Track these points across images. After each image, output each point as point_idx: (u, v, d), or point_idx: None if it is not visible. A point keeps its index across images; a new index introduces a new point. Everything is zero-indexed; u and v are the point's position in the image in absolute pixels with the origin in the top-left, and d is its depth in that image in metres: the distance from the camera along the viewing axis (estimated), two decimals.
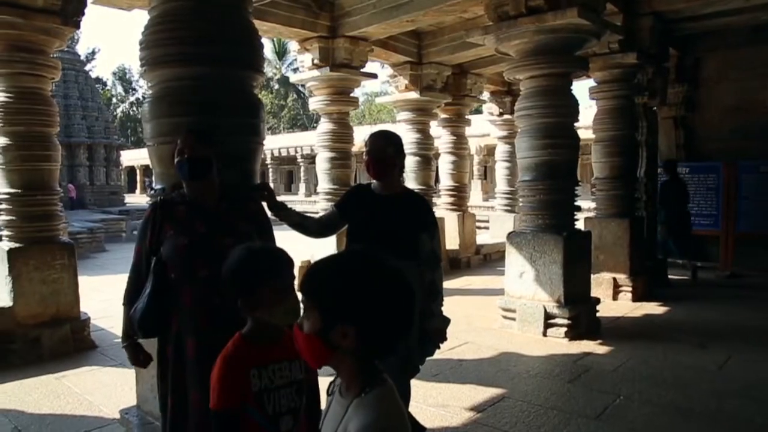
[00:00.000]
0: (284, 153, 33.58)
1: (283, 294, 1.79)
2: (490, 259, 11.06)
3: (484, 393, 4.29)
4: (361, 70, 7.74)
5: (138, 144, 52.54)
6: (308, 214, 3.32)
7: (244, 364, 1.76)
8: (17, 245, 5.28)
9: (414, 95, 8.94)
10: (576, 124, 5.90)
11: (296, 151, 32.88)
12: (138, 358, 2.45)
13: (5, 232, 5.43)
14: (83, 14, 5.50)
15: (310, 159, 32.02)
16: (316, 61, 7.47)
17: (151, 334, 2.37)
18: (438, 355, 3.17)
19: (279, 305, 1.78)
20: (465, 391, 4.32)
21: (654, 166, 8.40)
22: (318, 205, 8.07)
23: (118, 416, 3.90)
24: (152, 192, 2.99)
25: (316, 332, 1.25)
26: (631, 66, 7.18)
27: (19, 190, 5.35)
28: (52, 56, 5.59)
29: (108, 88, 57.44)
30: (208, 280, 2.28)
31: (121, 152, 32.63)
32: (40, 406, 4.27)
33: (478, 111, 16.21)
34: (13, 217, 5.36)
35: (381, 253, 1.32)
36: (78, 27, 5.45)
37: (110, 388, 4.59)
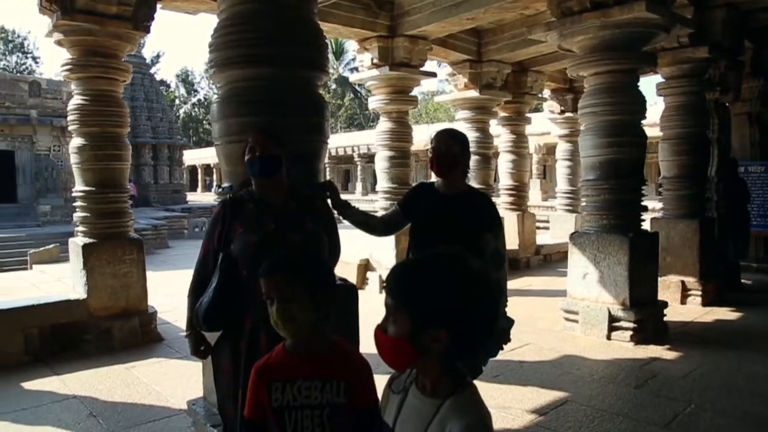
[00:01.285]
0: (341, 152, 33.88)
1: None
2: (550, 260, 10.86)
3: (546, 396, 4.21)
4: (420, 69, 7.73)
5: (199, 144, 54.10)
6: (371, 213, 3.33)
7: (268, 376, 1.67)
8: (91, 240, 5.55)
9: (473, 93, 8.86)
10: (642, 122, 5.72)
11: (353, 150, 33.11)
12: (199, 349, 2.51)
13: (80, 228, 5.70)
14: (153, 19, 5.71)
15: (367, 158, 32.21)
16: (375, 61, 7.50)
17: (214, 328, 2.43)
18: (499, 356, 3.13)
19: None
20: (526, 393, 4.25)
21: (727, 164, 8.02)
22: (377, 204, 8.10)
23: (184, 407, 4.02)
24: (220, 190, 3.06)
25: (405, 336, 1.23)
26: (702, 60, 6.90)
27: (93, 188, 5.61)
28: (124, 60, 5.83)
29: (171, 90, 59.27)
30: None
31: (184, 152, 33.60)
32: (112, 394, 4.45)
33: (537, 109, 15.96)
34: (88, 214, 5.63)
35: (465, 254, 1.30)
36: (148, 31, 5.66)
37: (176, 379, 4.74)
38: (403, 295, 1.24)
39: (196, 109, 61.40)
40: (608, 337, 5.47)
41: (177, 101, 58.97)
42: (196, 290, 2.45)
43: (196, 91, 62.51)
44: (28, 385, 4.68)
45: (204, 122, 60.50)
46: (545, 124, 14.65)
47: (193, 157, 43.44)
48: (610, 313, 5.48)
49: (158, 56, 55.53)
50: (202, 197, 39.65)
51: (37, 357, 5.29)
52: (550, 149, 23.15)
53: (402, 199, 3.27)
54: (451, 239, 2.76)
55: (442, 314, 1.20)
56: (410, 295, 1.23)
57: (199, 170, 46.02)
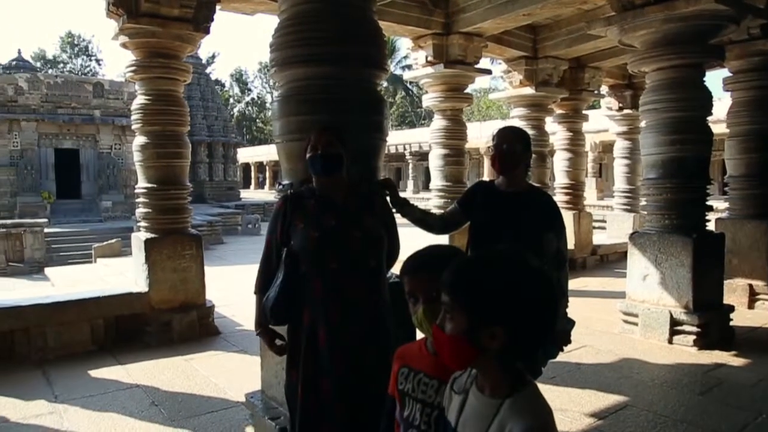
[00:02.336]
0: (392, 150, 33.97)
1: None
2: (607, 261, 10.60)
3: (605, 399, 4.11)
4: (475, 66, 7.66)
5: (252, 142, 55.16)
6: (429, 211, 3.32)
7: (401, 360, 1.71)
8: (153, 236, 5.73)
9: (529, 91, 8.73)
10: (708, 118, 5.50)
11: (404, 149, 33.16)
12: (274, 344, 2.53)
13: (142, 224, 5.90)
14: (212, 20, 5.84)
15: (419, 156, 32.21)
16: (429, 58, 7.47)
17: (281, 322, 2.47)
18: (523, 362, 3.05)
19: None
20: (584, 396, 4.16)
21: None
22: (430, 203, 8.08)
23: (241, 399, 4.11)
24: (280, 187, 3.10)
25: (463, 333, 1.23)
26: None
27: (155, 185, 5.80)
28: (184, 61, 5.99)
29: (226, 89, 60.62)
30: (338, 272, 2.34)
31: (237, 150, 34.31)
32: (172, 384, 4.58)
33: (593, 106, 15.56)
34: (150, 210, 5.82)
35: (524, 252, 1.29)
36: (208, 32, 5.79)
37: (233, 372, 4.84)
38: (460, 292, 1.24)
39: (250, 108, 62.65)
40: (669, 341, 5.30)
41: (231, 100, 60.25)
42: (262, 285, 2.50)
43: (249, 90, 63.83)
44: (95, 372, 4.87)
45: (257, 121, 61.67)
46: (602, 121, 14.31)
47: (247, 155, 44.35)
48: (671, 316, 5.30)
49: (213, 57, 56.88)
50: (255, 194, 40.47)
51: (102, 346, 5.51)
52: (606, 147, 22.62)
53: (461, 197, 3.24)
54: (511, 238, 2.74)
55: (499, 311, 1.19)
56: (467, 291, 1.22)
57: (252, 168, 46.98)
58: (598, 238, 11.26)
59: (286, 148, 3.02)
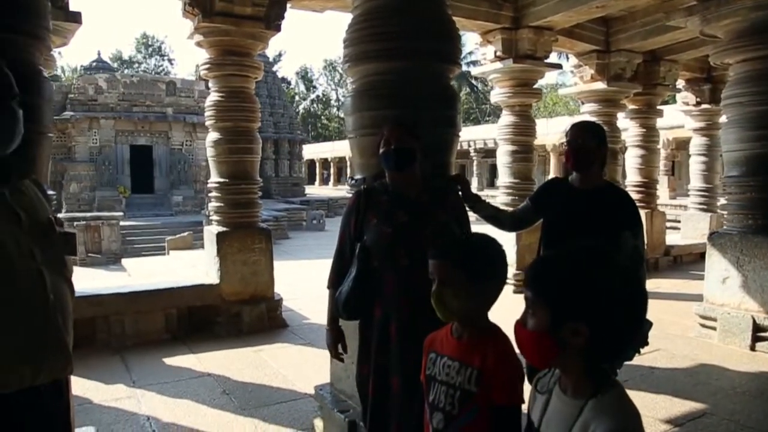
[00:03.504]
0: (457, 147, 33.69)
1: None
2: (680, 262, 10.18)
3: (680, 406, 3.94)
4: (545, 60, 7.49)
5: (317, 139, 55.95)
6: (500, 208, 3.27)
7: (429, 345, 1.79)
8: (224, 229, 5.89)
9: (600, 86, 8.46)
10: None
11: (469, 145, 32.84)
12: (336, 346, 2.56)
13: (214, 217, 6.07)
14: (283, 18, 5.95)
15: (483, 153, 31.85)
16: (498, 53, 7.36)
17: (353, 317, 2.48)
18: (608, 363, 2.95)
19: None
20: (659, 402, 4.01)
21: None
22: (497, 200, 7.96)
23: (309, 391, 4.17)
24: (353, 182, 3.12)
25: (545, 329, 1.20)
26: None
27: (227, 180, 5.95)
28: (255, 58, 6.12)
29: (291, 86, 61.70)
30: (410, 268, 2.33)
31: (303, 146, 34.87)
32: (242, 374, 4.70)
33: (666, 101, 14.96)
34: (221, 204, 5.98)
35: (609, 248, 1.25)
36: (279, 30, 5.90)
37: (301, 364, 4.92)
38: (542, 287, 1.23)
39: (315, 105, 63.58)
40: (752, 348, 5.03)
41: (296, 98, 61.29)
42: (335, 280, 2.51)
43: (314, 87, 64.78)
44: (169, 360, 5.05)
45: (322, 118, 62.51)
46: (676, 116, 13.74)
47: (312, 151, 45.01)
48: (754, 321, 5.03)
49: (280, 55, 58.01)
50: (320, 190, 41.04)
51: (175, 336, 5.71)
52: (680, 144, 21.74)
53: (533, 194, 3.18)
54: (586, 236, 2.65)
55: (581, 306, 1.17)
56: (549, 286, 1.22)
57: (317, 164, 47.65)
58: (672, 238, 10.83)
59: (359, 143, 3.03)
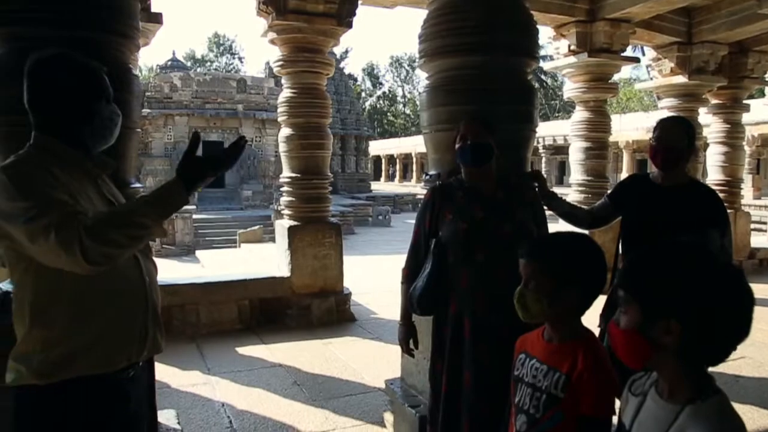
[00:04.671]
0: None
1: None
2: (766, 265, 9.65)
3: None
4: (621, 54, 7.23)
5: (383, 135, 56.26)
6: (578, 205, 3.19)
7: (521, 345, 1.74)
8: (296, 223, 6.01)
9: (681, 79, 8.08)
10: None
11: (538, 142, 32.27)
12: (408, 341, 2.56)
13: (286, 211, 6.21)
14: (354, 15, 6.00)
15: (552, 150, 31.21)
16: (572, 47, 7.16)
17: (427, 312, 2.48)
18: (711, 367, 2.82)
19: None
20: (744, 412, 3.78)
21: None
22: (569, 198, 7.74)
23: (378, 385, 4.21)
24: (427, 177, 3.11)
25: (636, 327, 1.17)
26: None
27: (298, 175, 6.07)
28: (326, 55, 6.20)
29: (358, 83, 62.21)
30: (486, 264, 2.31)
31: (369, 142, 35.12)
32: (312, 366, 4.78)
33: (752, 96, 14.20)
34: (293, 199, 6.11)
35: (706, 246, 1.20)
36: (350, 27, 5.95)
37: (369, 358, 4.96)
38: (632, 284, 1.20)
39: (381, 102, 63.93)
40: None
41: (363, 94, 61.76)
42: (409, 275, 2.51)
43: (380, 84, 65.16)
44: (241, 350, 5.20)
45: (388, 114, 62.77)
46: (762, 112, 13.02)
47: (378, 147, 45.29)
48: None
49: (346, 52, 58.59)
50: (385, 186, 41.28)
51: (247, 326, 5.87)
52: (766, 141, 20.60)
53: (612, 191, 3.08)
54: (669, 234, 2.56)
55: (673, 303, 1.12)
56: (640, 283, 1.18)
57: (383, 160, 47.92)
58: (757, 240, 10.28)
59: (434, 138, 3.02)
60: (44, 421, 1.54)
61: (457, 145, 2.43)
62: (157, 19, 5.16)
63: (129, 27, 2.44)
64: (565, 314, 1.59)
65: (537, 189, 2.77)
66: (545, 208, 2.76)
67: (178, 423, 3.07)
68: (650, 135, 2.85)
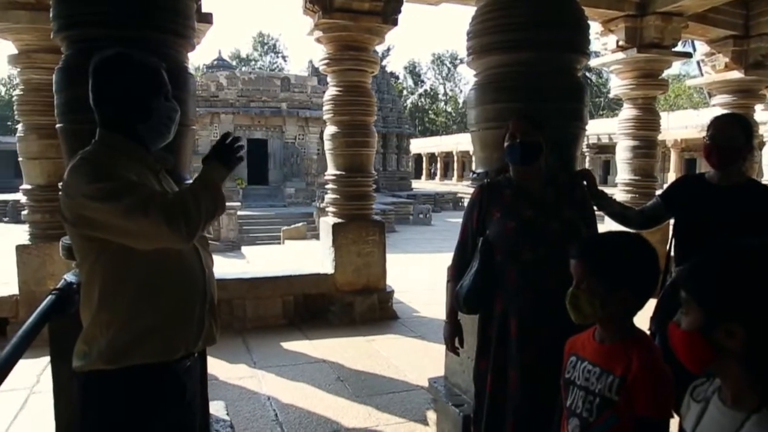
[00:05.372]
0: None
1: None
2: None
3: None
4: (672, 49, 7.03)
5: (424, 133, 56.15)
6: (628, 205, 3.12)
7: (571, 347, 1.71)
8: (340, 221, 6.07)
9: (736, 75, 7.78)
10: None
11: None
12: (454, 340, 2.55)
13: (330, 209, 6.27)
14: (400, 12, 6.00)
15: (596, 149, 30.62)
16: (621, 43, 6.99)
17: (474, 311, 2.47)
18: None
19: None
20: None
21: None
22: (615, 198, 7.59)
23: (421, 383, 4.22)
24: (474, 175, 3.10)
25: (697, 330, 1.14)
26: None
27: (343, 172, 6.13)
28: (371, 53, 6.24)
29: (400, 81, 62.19)
30: (534, 264, 2.29)
31: (410, 141, 35.09)
32: (355, 362, 4.83)
33: None
34: (337, 196, 6.17)
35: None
36: (396, 24, 5.96)
37: (412, 356, 4.97)
38: (695, 285, 1.17)
39: (422, 100, 63.80)
40: None
41: (404, 92, 61.73)
42: (456, 273, 2.51)
43: (422, 82, 65.04)
44: (286, 345, 5.28)
45: (429, 112, 62.59)
46: None
47: (419, 145, 45.20)
48: None
49: (388, 49, 58.58)
50: (426, 185, 41.19)
51: (291, 321, 5.96)
52: None
53: (665, 190, 3.00)
54: (726, 235, 2.48)
55: (736, 306, 1.09)
56: (702, 284, 1.15)
57: (424, 158, 47.81)
58: None
59: (481, 136, 3.01)
60: (109, 406, 1.61)
61: (505, 144, 2.42)
62: (207, 19, 5.26)
63: (185, 27, 2.51)
64: (617, 315, 1.56)
65: (586, 188, 2.73)
66: (594, 207, 2.73)
67: (227, 414, 3.14)
68: (700, 133, 2.77)
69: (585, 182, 2.74)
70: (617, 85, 7.57)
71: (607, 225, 3.40)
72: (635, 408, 1.47)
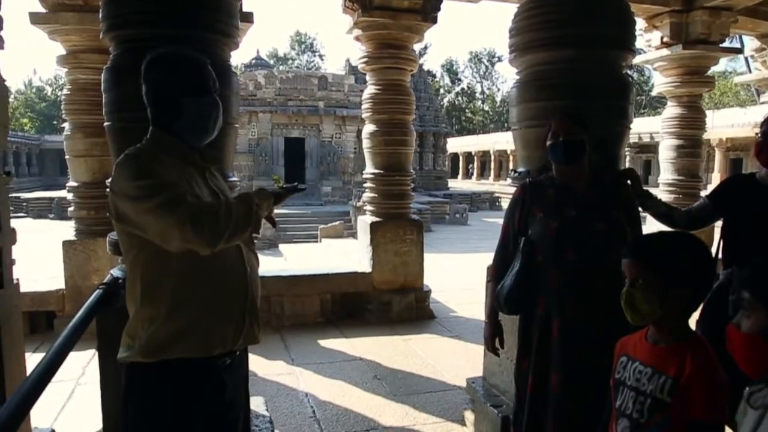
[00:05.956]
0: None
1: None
2: None
3: None
4: (720, 45, 6.82)
5: (461, 132, 55.82)
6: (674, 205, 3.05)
7: (621, 349, 1.68)
8: (378, 219, 6.08)
9: None
10: None
11: None
12: (494, 340, 2.53)
13: (368, 207, 6.28)
14: (439, 10, 5.98)
15: (637, 148, 29.99)
16: (665, 39, 6.82)
17: (515, 312, 2.44)
18: None
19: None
20: None
21: None
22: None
23: (458, 383, 4.21)
24: (516, 175, 3.06)
25: (760, 331, 1.11)
26: None
27: (381, 171, 6.14)
28: (410, 51, 6.22)
29: (436, 79, 61.97)
30: (576, 264, 2.25)
31: (447, 140, 34.92)
32: (392, 361, 4.83)
33: None
34: (375, 195, 6.18)
35: None
36: (435, 22, 5.94)
37: (449, 356, 4.95)
38: (760, 287, 1.15)
39: (459, 98, 63.43)
40: None
41: (441, 90, 61.48)
42: (497, 273, 2.48)
43: (459, 80, 64.63)
44: (323, 342, 5.32)
45: (466, 111, 62.22)
46: None
47: (455, 144, 44.94)
48: None
49: (425, 48, 58.43)
50: (462, 184, 40.96)
51: (328, 319, 6.00)
52: None
53: (713, 191, 2.92)
54: None
55: None
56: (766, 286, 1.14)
57: (461, 158, 47.52)
58: None
59: (523, 134, 2.97)
60: (147, 397, 1.65)
61: (548, 142, 2.38)
62: (248, 18, 5.32)
63: (230, 26, 2.54)
64: (674, 315, 1.52)
65: (631, 187, 2.67)
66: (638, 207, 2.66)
67: (267, 410, 3.17)
68: (749, 132, 2.69)
69: (629, 182, 2.69)
70: (661, 82, 7.39)
71: (648, 226, 3.31)
72: (688, 411, 1.44)
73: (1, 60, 2.56)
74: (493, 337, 2.54)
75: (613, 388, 1.65)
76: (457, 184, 39.27)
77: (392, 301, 5.99)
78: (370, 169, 6.26)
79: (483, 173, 44.32)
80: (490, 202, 30.13)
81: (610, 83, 2.82)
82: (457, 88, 63.95)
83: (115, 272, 2.40)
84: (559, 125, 2.36)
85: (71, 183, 6.22)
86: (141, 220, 1.53)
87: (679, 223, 2.97)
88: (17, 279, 2.59)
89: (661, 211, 2.90)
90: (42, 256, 7.84)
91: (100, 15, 2.55)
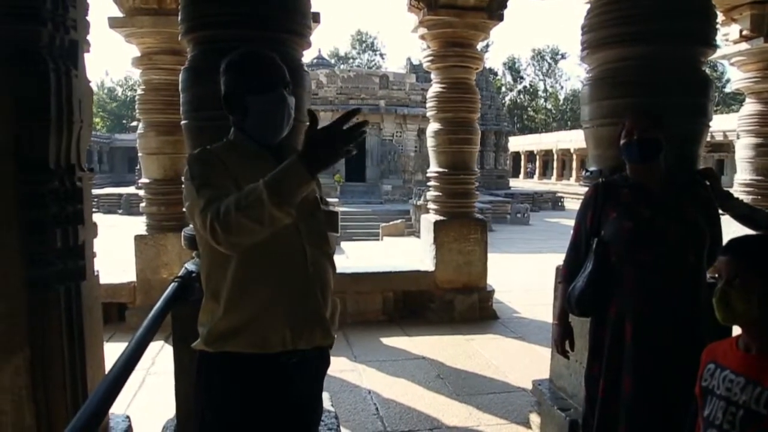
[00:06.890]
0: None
1: None
2: None
3: None
4: None
5: (523, 131, 54.96)
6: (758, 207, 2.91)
7: (709, 355, 1.60)
8: (441, 218, 6.08)
9: None
10: None
11: None
12: (564, 342, 2.48)
13: (432, 206, 6.28)
14: (506, 7, 5.93)
15: (709, 146, 28.75)
16: (744, 32, 6.50)
17: (586, 314, 2.39)
18: None
19: None
20: None
21: None
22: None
23: (522, 385, 4.15)
24: (588, 174, 3.00)
25: None
26: None
27: (446, 170, 6.13)
28: (476, 49, 6.18)
29: (498, 77, 61.18)
30: (651, 266, 2.19)
31: (508, 138, 34.45)
32: (455, 361, 4.81)
33: None
34: (439, 193, 6.18)
35: None
36: (501, 19, 5.89)
37: (513, 357, 4.88)
38: None
39: (521, 97, 62.45)
40: None
41: (503, 89, 60.68)
42: (568, 274, 2.44)
43: (521, 78, 63.61)
44: (386, 340, 5.35)
45: (528, 109, 61.20)
46: None
47: (517, 143, 44.29)
48: None
49: (487, 45, 57.78)
50: (524, 183, 40.33)
51: (390, 317, 6.03)
52: None
53: None
54: None
55: None
56: None
57: (522, 157, 46.79)
58: None
59: (595, 133, 2.90)
60: (213, 385, 1.71)
61: (622, 141, 2.32)
62: (316, 18, 5.41)
63: (303, 26, 2.59)
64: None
65: (709, 188, 2.57)
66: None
67: (332, 405, 3.22)
68: None
69: (708, 182, 2.59)
70: (739, 78, 7.05)
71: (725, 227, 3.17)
72: None
73: (87, 63, 2.68)
74: (563, 339, 2.49)
75: (700, 396, 1.59)
76: (519, 184, 38.71)
77: (455, 300, 5.97)
78: (434, 168, 6.25)
79: (545, 173, 43.50)
80: (552, 201, 29.54)
81: (688, 79, 2.72)
82: (519, 86, 63.00)
83: (189, 266, 2.49)
84: (634, 123, 2.29)
85: (143, 179, 6.43)
86: (191, 217, 1.60)
87: (761, 225, 2.84)
88: (98, 271, 2.72)
89: (743, 212, 2.77)
90: (113, 249, 8.20)
91: (179, 17, 2.64)
